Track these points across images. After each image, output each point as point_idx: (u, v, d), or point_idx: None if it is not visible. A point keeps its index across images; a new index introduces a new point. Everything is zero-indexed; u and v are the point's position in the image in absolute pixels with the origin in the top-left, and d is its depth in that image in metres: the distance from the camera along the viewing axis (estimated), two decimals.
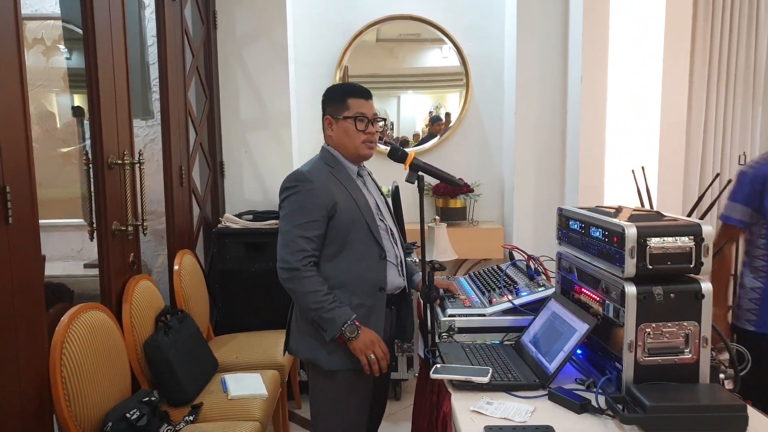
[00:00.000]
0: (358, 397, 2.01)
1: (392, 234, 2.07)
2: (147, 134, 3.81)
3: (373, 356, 1.93)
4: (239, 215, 3.75)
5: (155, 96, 3.59)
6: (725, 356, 1.70)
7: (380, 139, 3.80)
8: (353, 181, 2.04)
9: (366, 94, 2.06)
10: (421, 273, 2.04)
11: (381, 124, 2.63)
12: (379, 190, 2.19)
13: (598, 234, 1.65)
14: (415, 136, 4.13)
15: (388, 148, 2.07)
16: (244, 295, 3.57)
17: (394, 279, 2.04)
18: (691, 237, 1.52)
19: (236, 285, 3.58)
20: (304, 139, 3.98)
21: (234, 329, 3.59)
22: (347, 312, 1.93)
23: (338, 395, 1.99)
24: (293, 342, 2.05)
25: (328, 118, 2.06)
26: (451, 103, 4.11)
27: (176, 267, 3.15)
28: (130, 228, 2.61)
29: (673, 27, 3.26)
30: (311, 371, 2.03)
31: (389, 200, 2.20)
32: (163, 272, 3.79)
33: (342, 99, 2.04)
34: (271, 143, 3.78)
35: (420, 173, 2.00)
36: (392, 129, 4.01)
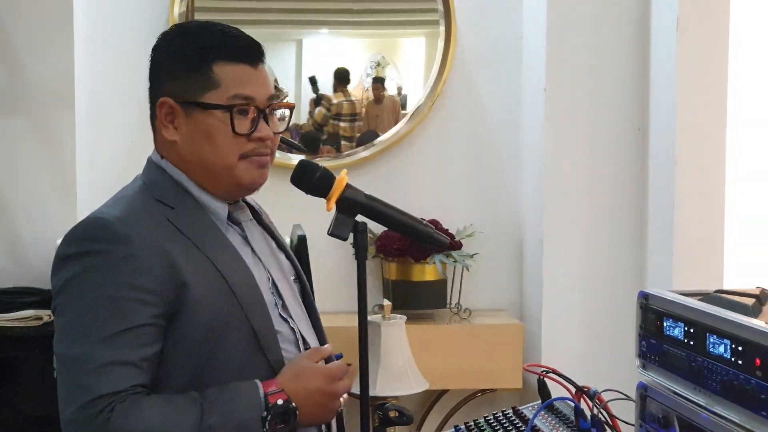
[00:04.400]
0: None
1: (307, 346, 1.71)
2: None
3: (341, 390, 1.59)
4: None
5: None
6: None
7: (290, 143, 3.19)
8: (220, 237, 1.60)
9: (253, 54, 1.60)
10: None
11: (285, 114, 1.81)
12: (281, 246, 1.78)
13: (721, 350, 1.40)
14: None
15: (295, 163, 1.71)
16: None
17: None
18: None
19: None
20: (106, 143, 3.29)
21: None
22: (245, 388, 1.52)
23: None
24: None
25: (166, 102, 1.58)
26: (411, 63, 3.47)
27: None
28: None
29: None
30: None
31: (302, 273, 1.84)
32: None
33: (199, 62, 1.56)
34: (30, 145, 3.11)
35: (359, 218, 1.63)
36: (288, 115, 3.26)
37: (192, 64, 1.58)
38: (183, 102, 1.58)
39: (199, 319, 1.51)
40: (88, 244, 1.51)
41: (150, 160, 1.65)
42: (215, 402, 1.49)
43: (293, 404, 1.51)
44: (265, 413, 1.49)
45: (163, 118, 1.60)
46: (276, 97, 1.67)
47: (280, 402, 1.50)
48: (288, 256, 1.78)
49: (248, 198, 1.74)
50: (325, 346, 1.66)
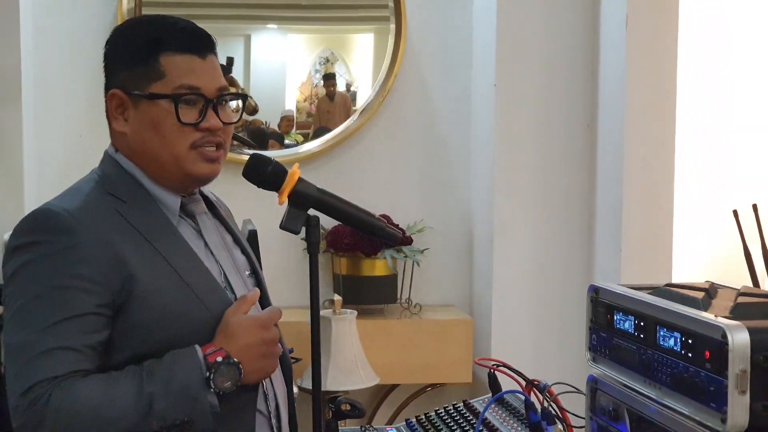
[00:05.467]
0: None
1: None
2: None
3: (276, 335, 1.63)
4: None
5: None
6: None
7: (237, 138, 3.22)
8: (171, 230, 1.61)
9: (201, 45, 1.62)
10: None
11: (234, 105, 1.94)
12: (237, 241, 1.78)
13: (671, 342, 1.41)
14: (286, 120, 3.43)
15: (247, 156, 1.73)
16: None
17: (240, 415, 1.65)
18: None
19: None
20: (54, 137, 3.27)
21: None
22: (181, 354, 1.52)
23: None
24: None
25: (116, 94, 1.60)
26: (361, 59, 3.51)
27: None
28: None
29: None
30: None
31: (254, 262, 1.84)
32: None
33: (147, 54, 1.59)
34: None
35: (311, 212, 1.65)
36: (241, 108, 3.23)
37: (140, 56, 1.59)
38: (131, 94, 1.59)
39: (150, 311, 1.52)
40: (34, 235, 1.52)
41: (106, 153, 1.65)
42: (154, 371, 1.51)
43: (234, 359, 1.53)
44: (208, 373, 1.51)
45: (114, 110, 1.61)
46: (226, 88, 1.67)
47: (219, 359, 1.53)
48: (243, 251, 1.79)
49: (206, 190, 1.75)
50: (251, 292, 1.66)
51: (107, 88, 1.64)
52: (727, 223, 2.65)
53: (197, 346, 1.52)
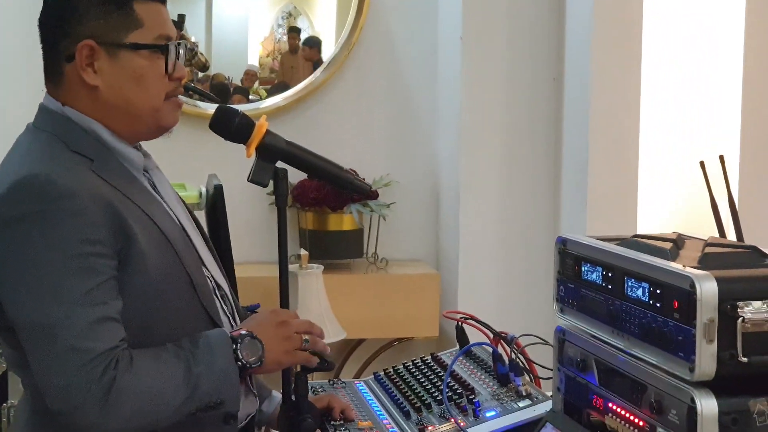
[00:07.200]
0: None
1: (224, 297, 1.72)
2: None
3: (306, 337, 1.64)
4: None
5: None
6: None
7: (199, 92, 3.22)
8: (141, 186, 1.62)
9: None
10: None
11: (184, 52, 1.79)
12: (177, 196, 1.78)
13: (639, 293, 1.43)
14: (249, 75, 3.46)
15: (212, 110, 1.71)
16: None
17: (243, 400, 1.65)
18: None
19: None
20: (14, 93, 3.20)
21: None
22: (215, 336, 1.56)
23: None
24: None
25: (87, 44, 1.55)
26: (324, 13, 3.53)
27: None
28: None
29: None
30: None
31: (198, 219, 1.84)
32: None
33: (120, 2, 1.56)
34: None
35: (279, 165, 1.65)
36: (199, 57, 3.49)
37: (112, 4, 1.55)
38: (106, 43, 1.55)
39: (146, 272, 1.52)
40: (34, 203, 1.47)
41: (47, 109, 1.60)
42: (195, 352, 1.54)
43: (258, 336, 1.57)
44: (234, 345, 1.54)
45: (84, 62, 1.55)
46: (182, 35, 1.62)
47: (244, 332, 1.56)
48: (184, 205, 1.82)
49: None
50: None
51: (62, 38, 1.59)
52: (690, 175, 2.79)
53: (226, 331, 1.58)
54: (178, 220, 1.66)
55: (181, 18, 3.26)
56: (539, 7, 3.12)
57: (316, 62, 3.34)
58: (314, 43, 3.39)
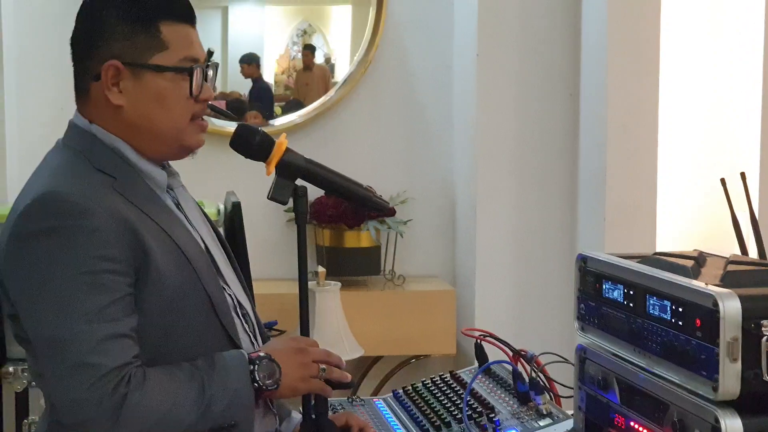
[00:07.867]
0: None
1: (245, 316, 1.69)
2: None
3: (323, 366, 1.61)
4: None
5: None
6: None
7: (217, 110, 3.16)
8: (163, 204, 1.61)
9: (192, 14, 1.62)
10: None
11: (213, 74, 1.80)
12: (204, 214, 1.77)
13: (661, 311, 1.41)
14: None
15: (233, 129, 1.69)
16: None
17: (261, 420, 1.64)
18: None
19: None
20: (35, 111, 3.26)
21: None
22: (231, 357, 1.56)
23: None
24: None
25: (113, 64, 1.56)
26: (339, 31, 3.54)
27: None
28: None
29: None
30: None
31: (223, 238, 1.82)
32: None
33: (146, 23, 1.56)
34: None
35: (299, 182, 1.64)
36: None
37: (139, 25, 1.57)
38: (131, 64, 1.57)
39: (162, 290, 1.52)
40: (52, 219, 1.49)
41: (76, 126, 1.61)
42: (210, 372, 1.54)
43: (275, 359, 1.57)
44: (252, 366, 1.53)
45: (109, 81, 1.56)
46: (211, 55, 1.68)
47: (262, 354, 1.55)
48: (210, 223, 1.81)
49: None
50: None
51: (91, 57, 1.60)
52: (709, 192, 2.82)
53: (244, 352, 1.57)
54: (201, 238, 1.66)
55: (210, 53, 3.28)
56: (554, 22, 3.11)
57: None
58: (329, 63, 3.41)
